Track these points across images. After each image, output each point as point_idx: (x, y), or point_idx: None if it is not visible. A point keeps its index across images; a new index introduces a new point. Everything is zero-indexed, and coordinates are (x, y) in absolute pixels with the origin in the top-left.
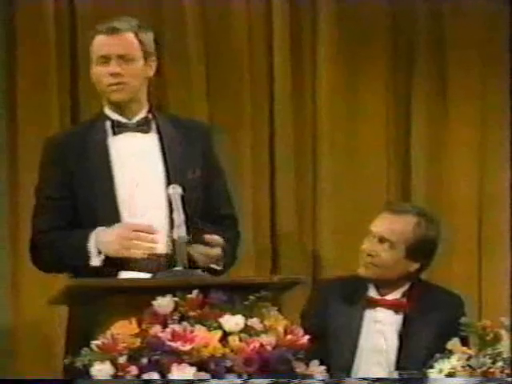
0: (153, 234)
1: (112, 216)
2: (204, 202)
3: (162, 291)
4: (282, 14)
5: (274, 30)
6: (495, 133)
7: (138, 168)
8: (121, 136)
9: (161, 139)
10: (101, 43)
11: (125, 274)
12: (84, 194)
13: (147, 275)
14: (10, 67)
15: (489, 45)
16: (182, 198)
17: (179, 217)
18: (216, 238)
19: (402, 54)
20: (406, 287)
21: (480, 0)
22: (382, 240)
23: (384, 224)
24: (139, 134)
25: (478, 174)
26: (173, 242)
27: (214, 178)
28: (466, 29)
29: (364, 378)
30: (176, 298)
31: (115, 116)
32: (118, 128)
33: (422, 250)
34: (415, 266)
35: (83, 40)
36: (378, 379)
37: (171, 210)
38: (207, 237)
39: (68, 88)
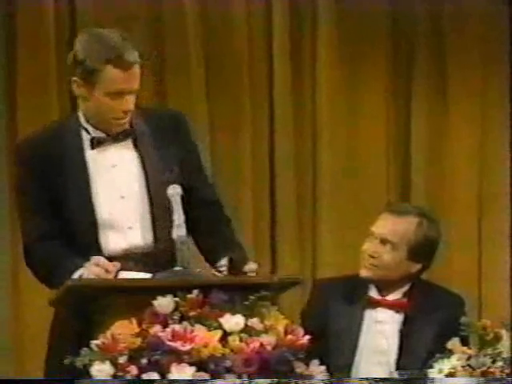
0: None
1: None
2: (185, 191)
3: (162, 291)
4: (281, 15)
5: (273, 31)
6: (495, 131)
7: (118, 179)
8: (99, 149)
9: (136, 144)
10: (115, 78)
11: (125, 274)
12: (62, 208)
13: (147, 275)
14: (10, 68)
15: (489, 43)
16: (182, 197)
17: (179, 217)
18: (253, 266)
19: (402, 53)
20: (406, 287)
21: (480, 0)
22: (383, 241)
23: (386, 225)
24: (115, 144)
25: (478, 173)
26: (172, 241)
27: (193, 165)
28: (465, 28)
29: (365, 378)
30: (176, 298)
31: (95, 132)
32: (98, 143)
33: (423, 250)
34: (417, 266)
35: None
36: (378, 379)
37: (168, 211)
38: (247, 268)
39: (68, 89)
